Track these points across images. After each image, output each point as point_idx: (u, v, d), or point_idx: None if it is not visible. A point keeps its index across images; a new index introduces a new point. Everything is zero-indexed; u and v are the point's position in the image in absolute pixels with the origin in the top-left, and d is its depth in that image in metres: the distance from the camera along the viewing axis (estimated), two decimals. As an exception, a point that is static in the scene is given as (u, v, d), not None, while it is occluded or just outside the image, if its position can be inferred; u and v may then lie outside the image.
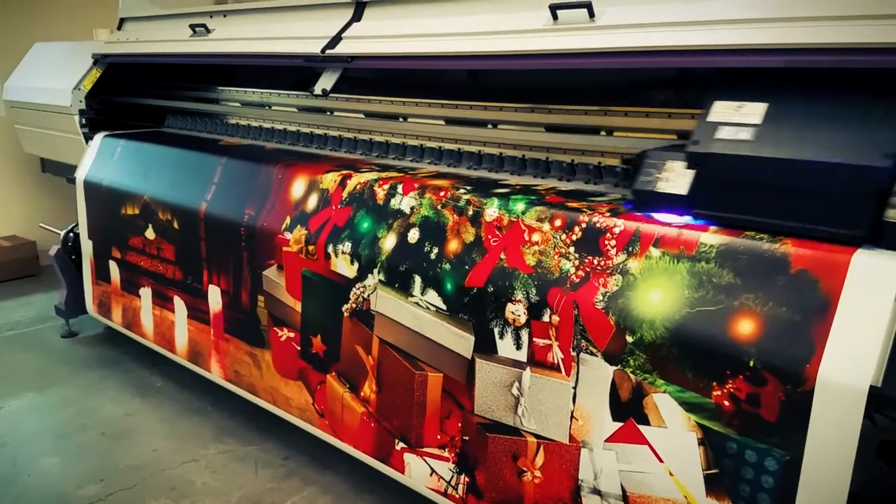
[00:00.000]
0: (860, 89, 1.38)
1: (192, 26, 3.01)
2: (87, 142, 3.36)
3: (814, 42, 1.42)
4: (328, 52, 2.43)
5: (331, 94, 2.54)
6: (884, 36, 1.33)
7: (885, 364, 1.22)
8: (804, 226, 1.37)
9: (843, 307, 1.26)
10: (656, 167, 1.57)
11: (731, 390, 1.37)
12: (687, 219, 1.52)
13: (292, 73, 2.97)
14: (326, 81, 2.50)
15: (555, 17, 1.88)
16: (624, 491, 1.54)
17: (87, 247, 3.28)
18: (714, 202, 1.48)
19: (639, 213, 1.58)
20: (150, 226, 2.85)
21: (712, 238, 1.44)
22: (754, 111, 1.46)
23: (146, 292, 2.95)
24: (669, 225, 1.51)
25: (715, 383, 1.39)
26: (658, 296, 1.47)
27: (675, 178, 1.53)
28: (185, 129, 3.45)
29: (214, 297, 2.60)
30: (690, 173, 1.50)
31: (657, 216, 1.55)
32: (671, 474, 1.47)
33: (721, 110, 1.49)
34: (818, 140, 1.36)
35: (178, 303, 2.79)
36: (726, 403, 1.38)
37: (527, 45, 1.91)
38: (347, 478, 2.35)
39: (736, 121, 1.46)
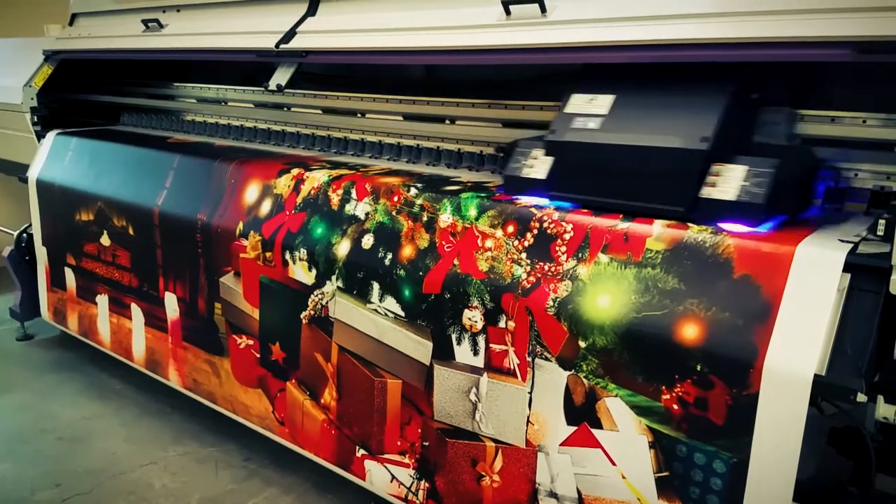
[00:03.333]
0: (687, 81, 1.57)
1: (145, 21, 2.94)
2: (39, 140, 3.28)
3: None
4: (282, 46, 2.39)
5: (287, 90, 2.50)
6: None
7: (828, 353, 1.24)
8: (640, 204, 1.53)
9: (786, 302, 1.28)
10: (524, 155, 1.75)
11: (680, 394, 1.38)
12: (545, 201, 1.68)
13: (251, 69, 2.92)
14: (281, 77, 2.46)
15: (507, 12, 1.87)
16: (579, 493, 1.56)
17: (41, 253, 3.22)
18: (568, 185, 1.65)
19: (507, 196, 1.75)
20: (104, 232, 2.79)
21: (658, 244, 1.45)
22: (603, 103, 1.63)
23: (103, 300, 2.90)
24: (617, 230, 1.51)
25: (664, 387, 1.40)
26: (607, 301, 1.47)
27: (538, 164, 1.71)
28: (141, 127, 3.39)
29: (171, 305, 2.56)
30: (549, 160, 1.68)
31: (522, 199, 1.71)
32: (624, 477, 1.49)
33: (576, 103, 1.67)
34: (650, 127, 1.53)
35: (136, 310, 2.74)
36: (675, 407, 1.39)
37: (480, 40, 1.90)
38: (309, 478, 2.35)
39: (587, 112, 1.63)
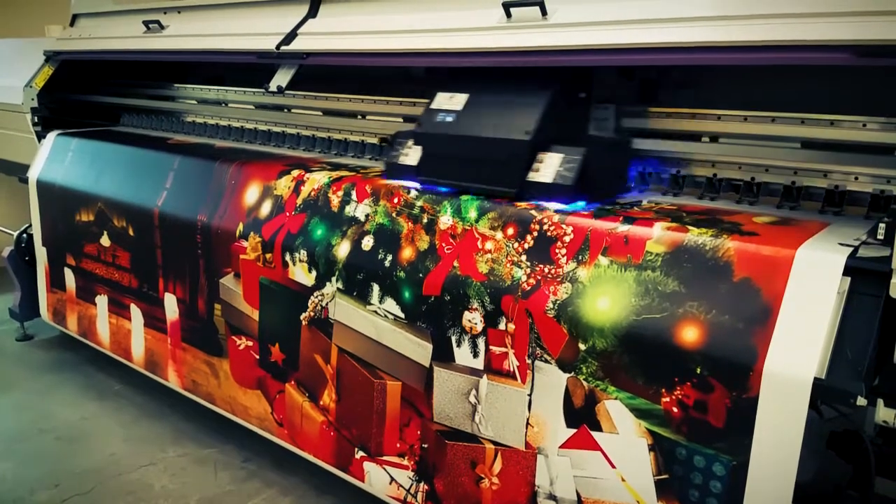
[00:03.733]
0: (525, 83, 1.84)
1: (146, 22, 2.95)
2: (39, 141, 3.28)
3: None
4: (283, 48, 2.40)
5: (287, 92, 2.50)
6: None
7: (828, 357, 1.24)
8: (485, 186, 1.79)
9: (786, 305, 1.28)
10: (402, 144, 2.00)
11: (680, 397, 1.38)
12: (416, 184, 1.93)
13: (254, 70, 2.93)
14: (282, 78, 2.47)
15: (508, 14, 1.87)
16: (579, 496, 1.56)
17: (41, 254, 3.22)
18: (432, 171, 1.91)
19: (387, 179, 2.00)
20: (105, 233, 2.79)
21: (658, 247, 1.45)
22: (459, 101, 1.90)
23: (102, 300, 2.90)
24: (617, 233, 1.51)
25: (664, 390, 1.40)
26: (607, 304, 1.47)
27: (412, 153, 1.96)
28: (141, 128, 3.39)
29: (171, 306, 2.56)
30: (419, 149, 1.94)
31: (401, 182, 1.96)
32: (623, 480, 1.49)
33: (440, 100, 1.94)
34: (490, 121, 1.81)
35: (135, 311, 2.74)
36: (675, 410, 1.39)
37: (481, 42, 1.91)
38: (308, 479, 2.34)
39: (447, 108, 1.90)
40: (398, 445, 1.90)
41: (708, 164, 1.81)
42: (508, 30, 1.87)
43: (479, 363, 1.69)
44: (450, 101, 1.90)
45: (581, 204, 1.69)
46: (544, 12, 1.81)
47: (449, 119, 1.87)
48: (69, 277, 3.06)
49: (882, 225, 1.29)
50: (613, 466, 1.50)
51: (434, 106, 1.92)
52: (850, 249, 1.29)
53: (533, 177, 1.72)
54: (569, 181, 1.66)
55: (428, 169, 1.91)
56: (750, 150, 1.75)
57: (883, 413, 1.27)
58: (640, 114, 1.91)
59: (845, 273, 1.26)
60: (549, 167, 1.71)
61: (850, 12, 1.38)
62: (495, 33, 1.89)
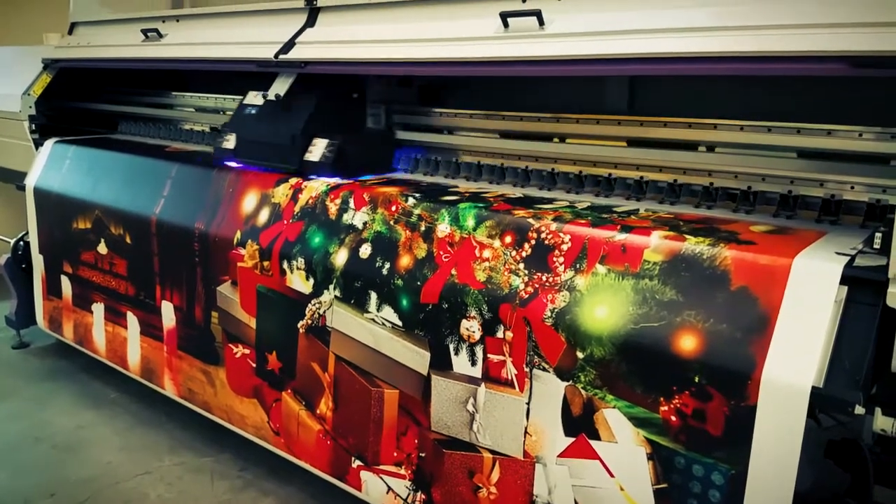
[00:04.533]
0: (311, 85, 2.34)
1: (144, 31, 2.95)
2: (37, 148, 3.27)
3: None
4: (281, 57, 2.40)
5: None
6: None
7: (826, 365, 1.24)
8: (279, 165, 2.29)
9: (783, 314, 1.28)
10: (225, 132, 2.49)
11: (678, 406, 1.38)
12: (234, 164, 2.42)
13: (251, 78, 2.93)
14: (280, 87, 2.47)
15: (505, 24, 1.88)
16: (577, 505, 1.55)
17: (37, 261, 3.21)
18: (244, 153, 2.40)
19: (217, 164, 2.45)
20: (102, 240, 2.79)
21: (656, 255, 1.45)
22: (261, 98, 2.40)
23: (98, 308, 2.90)
24: (615, 241, 1.51)
25: (662, 399, 1.40)
26: (604, 312, 1.47)
27: (231, 139, 2.45)
28: (139, 136, 3.39)
29: (168, 314, 2.55)
30: (234, 136, 2.45)
31: (227, 163, 2.43)
32: (622, 489, 1.48)
33: (250, 96, 2.48)
34: (281, 115, 2.34)
35: (131, 319, 2.74)
36: (673, 419, 1.39)
37: (479, 52, 1.91)
38: (305, 489, 2.33)
39: (252, 103, 2.45)
40: (395, 454, 1.89)
41: (705, 174, 1.83)
42: (506, 40, 1.88)
43: (476, 371, 1.69)
44: (255, 98, 2.44)
45: (338, 179, 2.18)
46: (541, 22, 1.82)
47: (253, 112, 2.41)
48: (66, 285, 3.05)
49: (879, 234, 1.30)
50: (612, 475, 1.49)
51: (245, 101, 2.47)
52: (847, 258, 1.29)
53: (308, 157, 2.23)
54: (330, 160, 2.19)
55: (241, 151, 2.40)
56: (747, 159, 1.76)
57: (881, 422, 1.28)
58: (413, 112, 2.45)
59: (842, 282, 1.26)
60: (318, 150, 2.22)
61: (846, 24, 1.39)
62: (493, 43, 1.90)
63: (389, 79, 2.43)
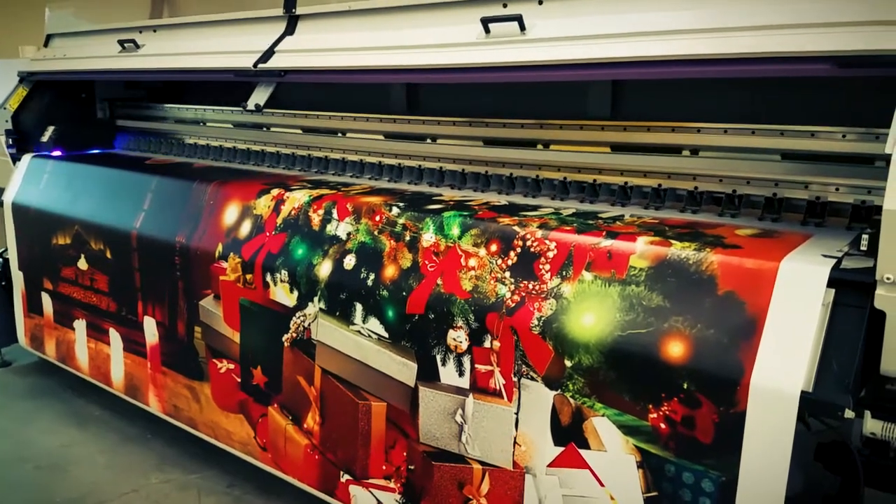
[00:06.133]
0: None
1: (122, 42, 2.91)
2: (14, 163, 3.22)
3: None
4: (260, 66, 2.38)
5: (266, 110, 2.48)
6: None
7: (815, 369, 1.23)
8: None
9: (771, 318, 1.27)
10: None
11: (667, 413, 1.37)
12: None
13: (232, 89, 2.91)
14: (259, 96, 2.45)
15: (487, 30, 1.87)
16: (568, 515, 1.53)
17: (17, 278, 3.16)
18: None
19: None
20: (82, 255, 2.74)
21: (642, 261, 1.44)
22: None
23: (80, 325, 2.85)
24: (601, 248, 1.50)
25: (651, 406, 1.39)
26: (592, 319, 1.46)
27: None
28: (118, 148, 3.35)
29: (150, 329, 2.51)
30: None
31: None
32: (612, 498, 1.47)
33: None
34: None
35: (114, 335, 2.69)
36: (662, 426, 1.38)
37: (460, 58, 1.90)
38: (294, 504, 2.30)
39: None
40: (384, 468, 1.87)
41: (689, 178, 1.82)
42: (487, 45, 1.87)
43: (464, 382, 1.67)
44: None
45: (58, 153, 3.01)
46: (522, 28, 1.81)
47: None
48: (46, 302, 3.00)
49: (865, 236, 1.29)
50: (602, 485, 1.48)
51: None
52: (834, 261, 1.29)
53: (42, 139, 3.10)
54: (51, 141, 3.12)
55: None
56: (731, 163, 1.76)
57: (870, 425, 1.27)
58: (135, 107, 3.35)
59: (829, 285, 1.25)
60: (48, 134, 3.15)
61: (831, 23, 1.38)
62: (474, 49, 1.89)
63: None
